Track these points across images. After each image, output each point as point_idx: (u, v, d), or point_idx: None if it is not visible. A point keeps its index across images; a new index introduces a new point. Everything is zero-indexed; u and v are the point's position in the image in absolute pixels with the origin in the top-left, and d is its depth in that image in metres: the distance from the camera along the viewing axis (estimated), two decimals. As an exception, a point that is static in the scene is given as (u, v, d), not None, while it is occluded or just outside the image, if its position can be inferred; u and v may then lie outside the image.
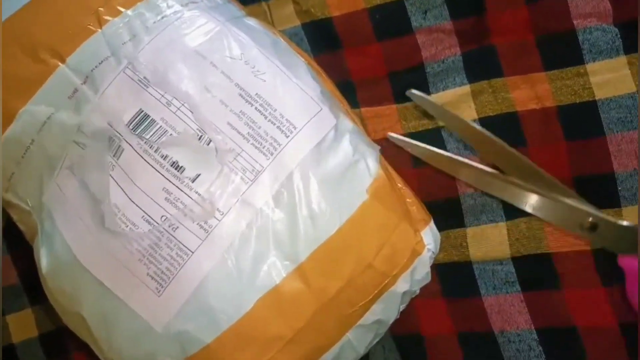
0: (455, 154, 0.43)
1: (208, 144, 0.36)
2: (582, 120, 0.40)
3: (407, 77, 0.44)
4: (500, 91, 0.42)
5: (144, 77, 0.37)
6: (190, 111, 0.36)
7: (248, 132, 0.36)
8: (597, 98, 0.40)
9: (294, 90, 0.37)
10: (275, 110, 0.36)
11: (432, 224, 0.39)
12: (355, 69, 0.45)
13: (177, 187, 0.36)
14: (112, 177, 0.36)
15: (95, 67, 0.37)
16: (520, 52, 0.41)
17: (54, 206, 0.38)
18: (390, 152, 0.42)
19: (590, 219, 0.38)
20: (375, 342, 0.39)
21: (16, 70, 0.37)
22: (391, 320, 0.39)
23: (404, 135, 0.44)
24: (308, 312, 0.35)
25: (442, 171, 0.42)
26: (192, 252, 0.35)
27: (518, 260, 0.42)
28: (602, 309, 0.41)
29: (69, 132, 0.37)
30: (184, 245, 0.35)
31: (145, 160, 0.36)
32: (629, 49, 0.39)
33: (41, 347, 0.48)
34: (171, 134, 0.36)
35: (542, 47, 0.41)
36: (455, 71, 0.42)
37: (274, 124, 0.36)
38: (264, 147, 0.36)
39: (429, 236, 0.38)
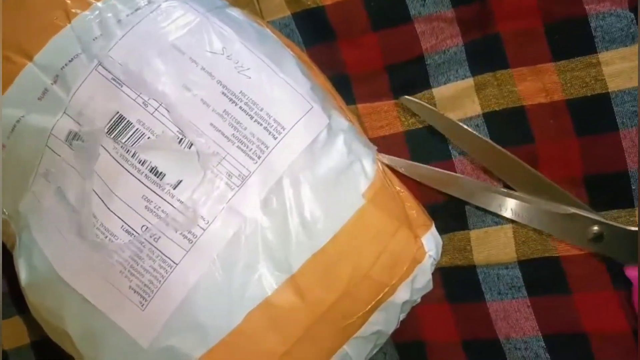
0: (459, 152, 0.41)
1: (189, 148, 0.34)
2: (593, 114, 0.38)
3: (406, 70, 0.41)
4: (505, 84, 0.39)
5: (117, 76, 0.34)
6: (169, 112, 0.34)
7: (233, 134, 0.34)
8: (610, 90, 0.38)
9: (281, 87, 0.35)
10: (261, 109, 0.34)
11: (433, 228, 0.37)
12: (350, 61, 0.42)
13: (157, 194, 0.34)
14: (88, 185, 0.35)
15: (65, 65, 0.35)
16: (527, 41, 0.39)
17: (30, 215, 0.36)
18: (389, 151, 0.40)
19: (595, 229, 0.36)
20: (374, 352, 0.38)
21: (-21, 70, 0.35)
22: (391, 331, 0.37)
23: (404, 132, 0.42)
24: (302, 325, 0.34)
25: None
26: (176, 264, 0.33)
27: (524, 264, 0.40)
28: (613, 313, 0.39)
29: (41, 136, 0.36)
30: (167, 257, 0.33)
31: (122, 166, 0.34)
32: (645, 36, 0.37)
33: (34, 354, 0.47)
34: (149, 137, 0.34)
35: (550, 35, 0.38)
36: (458, 63, 0.40)
37: (261, 125, 0.34)
38: (250, 150, 0.34)
39: (430, 242, 0.36)
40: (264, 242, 0.33)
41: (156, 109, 0.34)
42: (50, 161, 0.35)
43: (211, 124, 0.34)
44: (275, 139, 0.34)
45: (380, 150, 0.40)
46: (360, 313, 0.34)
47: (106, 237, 0.34)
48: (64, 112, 0.35)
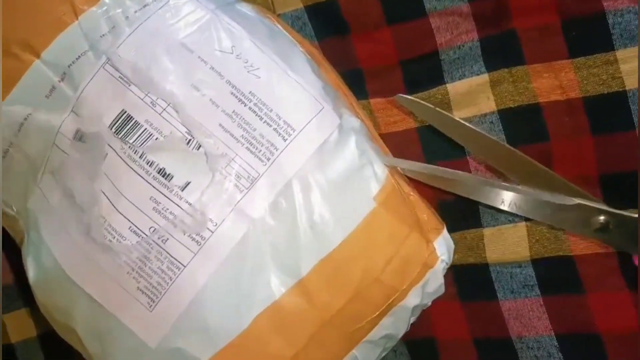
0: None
1: (198, 149, 0.33)
2: (610, 112, 0.37)
3: (420, 66, 0.41)
4: (521, 80, 0.39)
5: (125, 75, 0.34)
6: (177, 112, 0.33)
7: (242, 135, 0.33)
8: (627, 88, 0.37)
9: (291, 86, 0.34)
10: (271, 110, 0.33)
11: (445, 232, 0.36)
12: (363, 56, 0.42)
13: (165, 196, 0.33)
14: (96, 185, 0.34)
15: (73, 62, 0.35)
16: (543, 37, 0.38)
17: (39, 213, 0.36)
18: (401, 147, 0.40)
19: (601, 218, 0.35)
20: (383, 354, 0.38)
21: (-14, 67, 0.35)
22: (401, 334, 0.37)
23: (417, 128, 0.41)
24: (310, 329, 0.34)
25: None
26: (184, 266, 0.33)
27: (538, 263, 0.40)
28: (628, 314, 0.38)
29: (49, 134, 0.36)
30: (174, 259, 0.33)
31: (129, 166, 0.34)
32: (664, 33, 0.36)
33: (40, 347, 0.47)
34: (157, 138, 0.34)
35: (567, 32, 0.37)
36: (473, 58, 0.39)
37: (270, 126, 0.33)
38: (259, 152, 0.33)
39: (442, 246, 0.36)
40: (273, 246, 0.33)
41: (164, 109, 0.33)
42: (58, 159, 0.35)
43: (220, 125, 0.33)
44: (285, 140, 0.33)
45: (392, 146, 0.40)
46: (369, 318, 0.34)
47: (114, 237, 0.33)
48: (72, 111, 0.35)
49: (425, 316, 0.41)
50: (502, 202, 0.35)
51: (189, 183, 0.33)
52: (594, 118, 0.38)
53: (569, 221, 0.35)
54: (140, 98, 0.34)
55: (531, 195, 0.34)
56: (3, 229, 0.39)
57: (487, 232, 0.40)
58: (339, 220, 0.33)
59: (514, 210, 0.35)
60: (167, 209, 0.33)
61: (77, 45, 0.34)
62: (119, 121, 0.34)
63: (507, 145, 0.37)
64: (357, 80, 0.41)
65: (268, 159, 0.33)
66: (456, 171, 0.36)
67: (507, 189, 0.35)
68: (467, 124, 0.37)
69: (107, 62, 0.34)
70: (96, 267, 0.34)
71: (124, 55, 0.34)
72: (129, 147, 0.33)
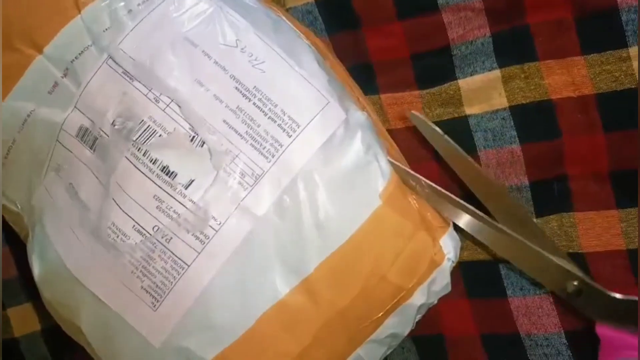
0: (483, 145, 0.40)
1: (202, 146, 0.33)
2: (623, 110, 0.37)
3: (432, 61, 0.40)
4: (533, 77, 0.38)
5: (128, 70, 0.33)
6: (180, 108, 0.33)
7: (246, 131, 0.33)
8: (640, 85, 0.37)
9: (297, 81, 0.34)
10: (276, 105, 0.33)
11: (451, 230, 0.36)
12: (374, 50, 0.41)
13: (169, 194, 0.33)
14: (99, 182, 0.34)
15: (76, 57, 0.34)
16: (556, 33, 0.37)
17: (43, 210, 0.36)
18: (411, 144, 0.40)
19: (575, 283, 0.35)
20: (388, 352, 0.37)
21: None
22: (406, 333, 0.36)
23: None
24: (315, 327, 0.33)
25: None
26: (188, 265, 0.33)
27: (548, 260, 0.39)
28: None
29: (52, 130, 0.35)
30: (178, 258, 0.33)
31: (133, 164, 0.33)
32: (678, 30, 0.36)
33: (44, 341, 0.47)
34: (160, 135, 0.33)
35: (580, 28, 0.37)
36: (485, 54, 0.39)
37: (275, 122, 0.33)
38: (264, 148, 0.33)
39: (448, 244, 0.35)
40: (278, 244, 0.32)
41: (168, 105, 0.33)
42: (61, 156, 0.35)
43: (224, 121, 0.33)
44: (290, 136, 0.33)
45: (402, 142, 0.39)
46: (375, 317, 0.34)
47: (118, 236, 0.33)
48: (75, 107, 0.34)
49: (434, 313, 0.41)
50: (487, 238, 0.35)
51: (192, 181, 0.33)
52: (606, 115, 0.37)
53: (546, 278, 0.36)
54: (143, 94, 0.33)
55: (514, 240, 0.34)
56: (7, 224, 0.39)
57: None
58: (345, 218, 0.33)
59: (499, 253, 0.36)
60: (171, 208, 0.33)
61: (80, 40, 0.34)
62: (122, 118, 0.33)
63: (494, 180, 0.37)
64: (367, 74, 0.41)
65: (273, 156, 0.32)
66: (456, 199, 0.35)
67: (493, 227, 0.34)
68: (471, 160, 0.36)
69: (109, 58, 0.34)
70: (100, 266, 0.34)
71: (127, 51, 0.33)
72: (133, 144, 0.33)
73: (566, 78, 0.38)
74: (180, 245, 0.32)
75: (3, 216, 0.39)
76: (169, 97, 0.33)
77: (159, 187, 0.33)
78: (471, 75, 0.39)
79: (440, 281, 0.35)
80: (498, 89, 0.39)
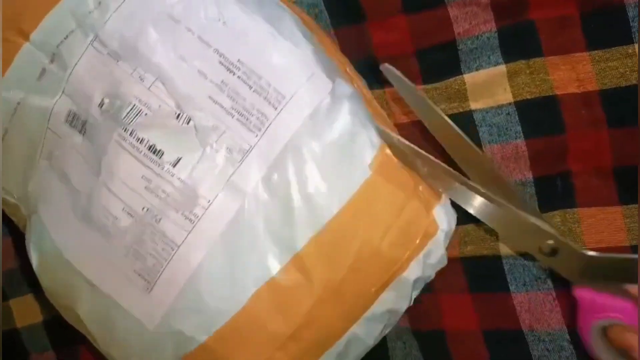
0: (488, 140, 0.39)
1: (188, 123, 0.32)
2: (627, 106, 0.36)
3: (437, 55, 0.40)
4: (538, 72, 0.38)
5: (113, 50, 0.33)
6: (164, 85, 0.32)
7: (232, 106, 0.32)
8: (646, 81, 0.36)
9: (281, 52, 0.33)
10: (260, 78, 0.32)
11: (444, 200, 0.34)
12: (379, 44, 0.41)
13: (156, 173, 0.33)
14: (89, 166, 0.34)
15: (61, 42, 0.35)
16: (561, 29, 0.37)
17: (38, 199, 0.36)
18: (415, 137, 0.38)
19: (551, 242, 0.33)
20: (386, 331, 0.36)
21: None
22: (403, 309, 0.35)
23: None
24: (308, 305, 0.32)
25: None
26: (178, 246, 0.32)
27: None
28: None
29: (42, 117, 0.35)
30: (169, 239, 0.32)
31: (121, 145, 0.33)
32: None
33: (46, 332, 0.48)
34: (146, 114, 0.33)
35: (586, 24, 0.37)
36: (490, 49, 0.39)
37: (260, 95, 0.32)
38: (250, 123, 0.32)
39: (442, 215, 0.34)
40: (267, 220, 0.32)
41: (152, 83, 0.33)
42: (53, 143, 0.35)
43: (209, 97, 0.32)
44: (276, 109, 0.32)
45: (406, 137, 0.38)
46: (370, 291, 0.33)
47: (108, 219, 0.33)
48: (63, 92, 0.34)
49: (435, 307, 0.41)
50: (466, 202, 0.34)
51: (180, 159, 0.32)
52: (610, 111, 0.37)
53: (522, 239, 0.34)
54: (128, 73, 0.33)
55: (491, 201, 0.33)
56: (6, 216, 0.39)
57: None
58: (334, 191, 0.32)
59: (474, 213, 0.34)
60: (159, 187, 0.32)
61: (65, 24, 0.34)
62: (109, 99, 0.33)
63: (476, 149, 0.35)
64: (371, 68, 0.40)
65: (259, 130, 0.32)
66: (440, 163, 0.34)
67: (473, 189, 0.33)
68: (444, 116, 0.35)
69: (95, 39, 0.33)
70: (94, 252, 0.34)
71: (112, 30, 0.33)
72: (119, 124, 0.33)
73: (571, 74, 0.37)
74: (170, 226, 0.32)
75: (3, 208, 0.39)
76: (153, 75, 0.32)
77: (147, 166, 0.32)
78: (477, 70, 0.39)
79: (436, 253, 0.34)
80: (503, 84, 0.39)
